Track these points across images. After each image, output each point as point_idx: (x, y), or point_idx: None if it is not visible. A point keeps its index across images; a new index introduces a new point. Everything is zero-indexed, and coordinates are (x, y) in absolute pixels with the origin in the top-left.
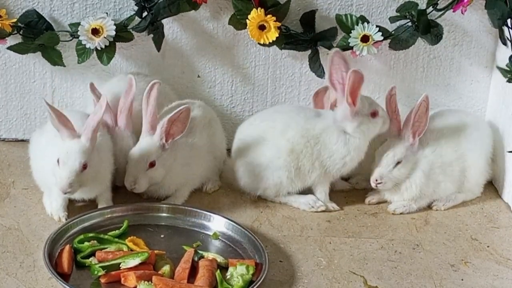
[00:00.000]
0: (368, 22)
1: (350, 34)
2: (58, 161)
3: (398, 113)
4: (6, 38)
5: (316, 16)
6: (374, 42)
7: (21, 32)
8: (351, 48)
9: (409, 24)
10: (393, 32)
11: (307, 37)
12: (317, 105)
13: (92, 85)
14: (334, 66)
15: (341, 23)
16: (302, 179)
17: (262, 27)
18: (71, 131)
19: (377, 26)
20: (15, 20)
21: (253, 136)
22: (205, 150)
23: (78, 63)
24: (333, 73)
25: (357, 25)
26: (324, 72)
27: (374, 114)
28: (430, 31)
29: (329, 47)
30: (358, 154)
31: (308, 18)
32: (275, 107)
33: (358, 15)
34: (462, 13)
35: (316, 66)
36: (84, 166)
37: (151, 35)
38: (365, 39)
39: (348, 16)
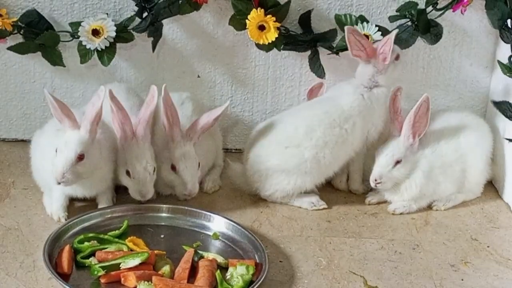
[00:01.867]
0: (367, 22)
1: None
2: (56, 150)
3: (400, 113)
4: (7, 37)
5: (316, 16)
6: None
7: (21, 32)
8: None
9: (409, 23)
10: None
11: (306, 38)
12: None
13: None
14: (352, 42)
15: (340, 23)
16: (335, 164)
17: (261, 27)
18: (73, 122)
19: (376, 25)
20: (15, 19)
21: (272, 144)
22: (208, 138)
23: (81, 63)
24: (354, 48)
25: (356, 24)
26: (324, 73)
27: (397, 57)
28: (430, 30)
29: (329, 48)
30: (386, 101)
31: (305, 18)
32: (287, 111)
33: (357, 15)
34: (461, 13)
35: (316, 67)
36: (80, 157)
37: (151, 36)
38: None
39: (348, 16)
